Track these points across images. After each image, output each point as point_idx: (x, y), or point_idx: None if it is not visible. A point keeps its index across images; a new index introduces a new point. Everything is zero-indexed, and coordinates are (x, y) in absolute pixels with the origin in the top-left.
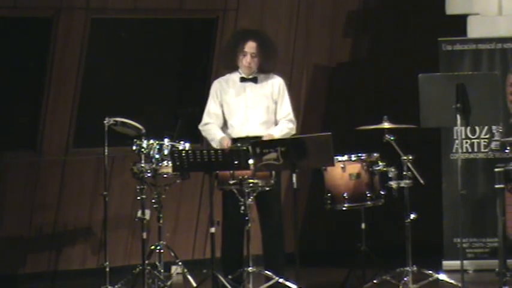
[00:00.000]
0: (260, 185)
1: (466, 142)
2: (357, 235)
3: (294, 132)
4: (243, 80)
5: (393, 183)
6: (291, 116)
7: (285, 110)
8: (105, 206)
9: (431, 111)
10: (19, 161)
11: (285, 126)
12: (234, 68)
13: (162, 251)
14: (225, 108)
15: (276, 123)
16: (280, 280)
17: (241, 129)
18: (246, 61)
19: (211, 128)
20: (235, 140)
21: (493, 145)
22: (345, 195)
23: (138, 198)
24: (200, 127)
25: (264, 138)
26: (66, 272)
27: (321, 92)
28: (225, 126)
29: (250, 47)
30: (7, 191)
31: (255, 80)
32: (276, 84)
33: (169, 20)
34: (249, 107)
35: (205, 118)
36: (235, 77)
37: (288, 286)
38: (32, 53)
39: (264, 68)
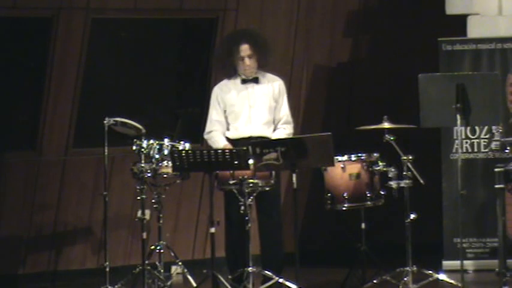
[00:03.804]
0: (260, 185)
1: (466, 142)
2: (357, 235)
3: (292, 132)
4: (244, 81)
5: (393, 183)
6: (289, 117)
7: (283, 112)
8: (105, 206)
9: (431, 111)
10: (19, 161)
11: (282, 133)
12: (233, 74)
13: (162, 251)
14: (229, 111)
15: (275, 124)
16: (280, 280)
17: (244, 129)
18: (245, 64)
19: (214, 136)
20: (237, 141)
21: (493, 145)
22: (345, 195)
23: (138, 198)
24: (205, 136)
25: None
26: (66, 272)
27: (321, 92)
28: (227, 128)
29: (245, 49)
30: (7, 191)
31: (256, 81)
32: (276, 85)
33: (169, 20)
34: (252, 106)
35: (209, 126)
36: (235, 79)
37: (287, 286)
38: (32, 53)
39: (262, 64)
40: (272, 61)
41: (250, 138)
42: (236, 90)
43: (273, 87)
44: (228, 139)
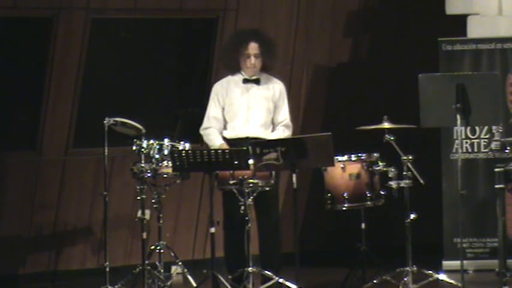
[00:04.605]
0: (260, 185)
1: (466, 142)
2: (357, 235)
3: (290, 135)
4: (245, 81)
5: (393, 183)
6: (288, 121)
7: (283, 115)
8: (105, 206)
9: (431, 111)
10: (19, 161)
11: (281, 133)
12: (236, 70)
13: (162, 251)
14: (227, 110)
15: (273, 126)
16: (280, 280)
17: (241, 130)
18: (250, 63)
19: (210, 133)
20: (233, 141)
21: (493, 145)
22: (345, 195)
23: (138, 198)
24: (201, 131)
25: None
26: (66, 272)
27: (321, 92)
28: (224, 127)
29: (253, 48)
30: (7, 191)
31: (257, 82)
32: (277, 89)
33: (169, 20)
34: (251, 108)
35: (206, 122)
36: (237, 78)
37: (287, 286)
38: (32, 53)
39: (267, 66)
40: (275, 65)
41: (247, 138)
42: (237, 90)
43: (273, 90)
44: (224, 139)
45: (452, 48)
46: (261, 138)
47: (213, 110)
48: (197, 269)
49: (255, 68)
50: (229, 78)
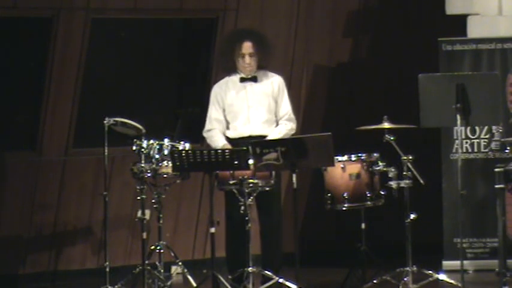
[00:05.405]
0: (260, 185)
1: (466, 142)
2: (357, 235)
3: (294, 131)
4: (242, 80)
5: (393, 183)
6: (291, 114)
7: (285, 109)
8: (105, 206)
9: (431, 111)
10: (19, 161)
11: (283, 128)
12: (233, 70)
13: (162, 251)
14: (228, 111)
15: (276, 121)
16: (280, 280)
17: (244, 129)
18: (245, 62)
19: (213, 135)
20: (236, 141)
21: (493, 145)
22: (345, 195)
23: (138, 198)
24: (204, 134)
25: None
26: (66, 272)
27: (321, 92)
28: (227, 128)
29: (247, 47)
30: (7, 191)
31: (254, 79)
32: (275, 83)
33: (169, 20)
34: (250, 106)
35: (208, 124)
36: (234, 78)
37: (287, 286)
38: (32, 53)
39: (263, 64)
40: (272, 62)
41: (249, 137)
42: (235, 90)
43: (272, 85)
44: (227, 139)
45: (452, 48)
46: (264, 136)
47: (214, 112)
48: (197, 269)
49: (251, 67)
50: (227, 79)
